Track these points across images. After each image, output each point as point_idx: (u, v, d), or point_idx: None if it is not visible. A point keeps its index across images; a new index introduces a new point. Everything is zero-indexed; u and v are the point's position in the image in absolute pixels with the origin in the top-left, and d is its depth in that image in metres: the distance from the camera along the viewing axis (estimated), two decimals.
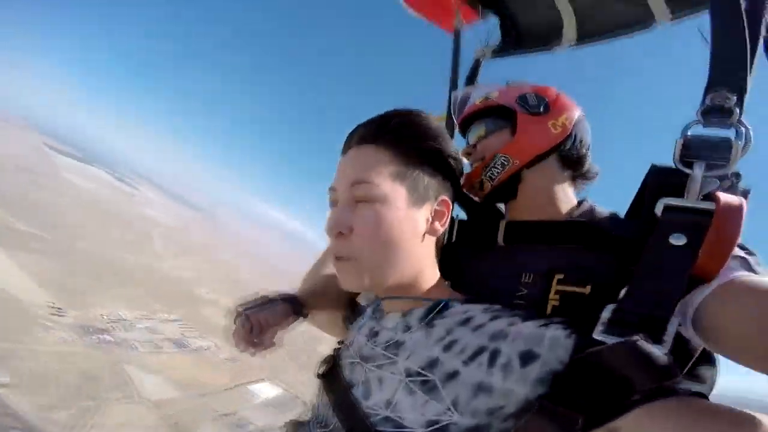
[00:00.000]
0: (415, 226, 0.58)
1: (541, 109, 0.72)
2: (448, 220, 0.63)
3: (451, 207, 0.64)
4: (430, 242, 0.63)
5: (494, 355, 0.50)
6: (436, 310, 0.59)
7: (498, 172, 0.72)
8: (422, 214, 0.59)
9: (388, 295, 0.63)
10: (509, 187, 0.73)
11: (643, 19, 0.98)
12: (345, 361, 0.65)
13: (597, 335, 0.46)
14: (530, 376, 0.47)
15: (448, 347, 0.54)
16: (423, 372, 0.54)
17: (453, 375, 0.52)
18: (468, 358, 0.52)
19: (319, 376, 0.68)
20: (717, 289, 0.48)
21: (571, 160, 0.73)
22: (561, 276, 0.63)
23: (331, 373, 0.66)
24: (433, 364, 0.54)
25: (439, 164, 0.61)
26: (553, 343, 0.48)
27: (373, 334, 0.64)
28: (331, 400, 0.62)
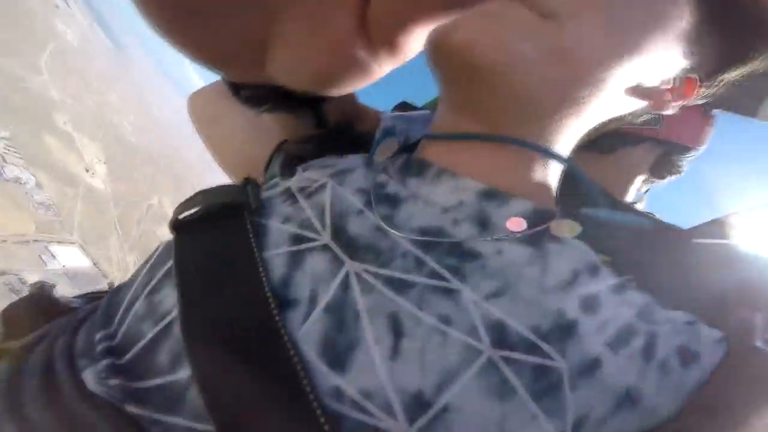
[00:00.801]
0: None
1: None
2: None
3: None
4: None
5: (651, 345, 0.29)
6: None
7: None
8: None
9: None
10: None
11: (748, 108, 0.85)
12: (279, 229, 0.34)
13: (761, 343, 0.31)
14: (687, 385, 0.29)
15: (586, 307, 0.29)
16: (531, 339, 0.27)
17: (592, 366, 0.26)
18: (614, 341, 0.28)
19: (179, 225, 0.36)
20: None
21: None
22: None
23: (220, 232, 0.34)
24: (553, 330, 0.27)
25: None
26: (709, 343, 0.31)
27: (387, 200, 0.34)
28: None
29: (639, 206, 0.60)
